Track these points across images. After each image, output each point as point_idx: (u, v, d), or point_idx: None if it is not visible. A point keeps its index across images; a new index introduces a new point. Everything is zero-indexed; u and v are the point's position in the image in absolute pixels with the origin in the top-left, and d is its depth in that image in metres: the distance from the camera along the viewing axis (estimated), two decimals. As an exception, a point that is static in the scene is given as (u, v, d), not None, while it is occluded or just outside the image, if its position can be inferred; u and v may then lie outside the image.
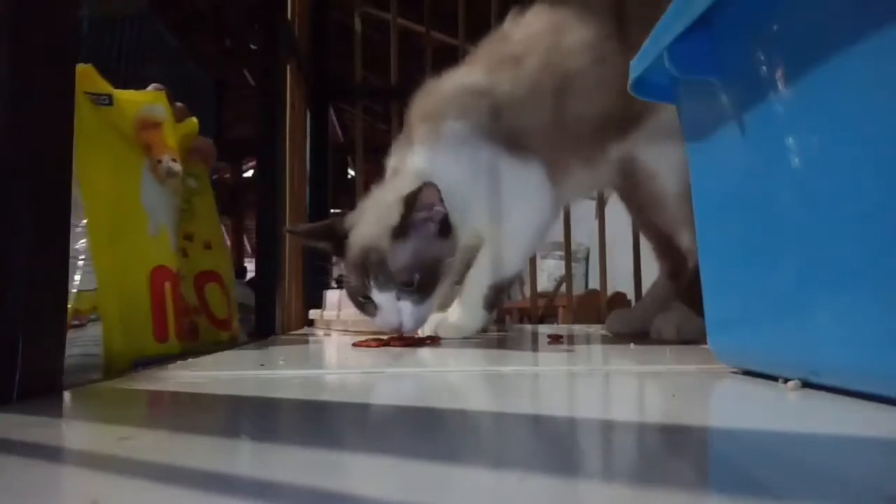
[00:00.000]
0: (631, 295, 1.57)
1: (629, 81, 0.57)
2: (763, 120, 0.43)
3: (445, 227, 0.82)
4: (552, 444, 0.30)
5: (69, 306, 0.66)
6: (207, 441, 0.30)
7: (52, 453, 0.28)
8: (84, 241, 0.68)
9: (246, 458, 0.28)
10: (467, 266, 0.90)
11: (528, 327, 1.41)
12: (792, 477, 0.24)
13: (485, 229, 0.87)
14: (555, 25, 0.87)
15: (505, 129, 0.84)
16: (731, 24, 0.46)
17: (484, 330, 0.93)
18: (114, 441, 0.30)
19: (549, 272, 2.96)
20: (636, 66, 0.55)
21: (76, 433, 0.34)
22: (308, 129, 1.43)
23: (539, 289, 1.73)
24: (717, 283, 0.53)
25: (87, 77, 0.70)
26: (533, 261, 1.59)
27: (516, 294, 3.09)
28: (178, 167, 0.78)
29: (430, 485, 0.23)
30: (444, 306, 1.02)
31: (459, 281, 0.92)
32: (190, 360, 0.64)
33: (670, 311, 0.88)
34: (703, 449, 0.31)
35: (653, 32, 0.51)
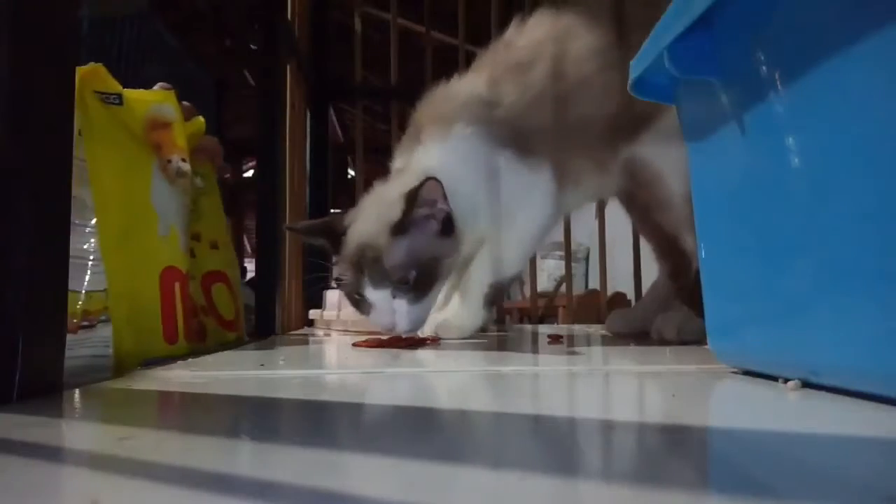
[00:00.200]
0: (631, 295, 1.57)
1: (629, 81, 0.57)
2: (763, 120, 0.43)
3: (448, 226, 0.81)
4: (552, 445, 0.30)
5: (79, 307, 0.66)
6: (207, 441, 0.30)
7: (52, 453, 0.28)
8: (94, 241, 0.68)
9: (246, 458, 0.28)
10: (465, 265, 0.90)
11: (528, 327, 1.41)
12: (792, 477, 0.24)
13: (488, 229, 0.86)
14: (560, 33, 0.87)
15: (515, 134, 0.84)
16: (731, 24, 0.46)
17: (483, 329, 0.93)
18: (114, 441, 0.30)
19: (549, 272, 2.96)
20: (636, 66, 0.55)
21: (76, 433, 0.34)
22: (308, 129, 1.43)
23: (539, 289, 1.73)
24: (717, 284, 0.53)
25: (98, 76, 0.70)
26: (533, 261, 1.59)
27: (516, 294, 3.09)
28: (187, 167, 0.78)
29: (430, 485, 0.23)
30: (440, 306, 1.02)
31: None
32: (190, 360, 0.64)
33: (671, 312, 0.88)
34: (703, 449, 0.31)
35: (653, 32, 0.51)
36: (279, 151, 1.10)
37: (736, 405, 0.43)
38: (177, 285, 0.74)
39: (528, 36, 0.89)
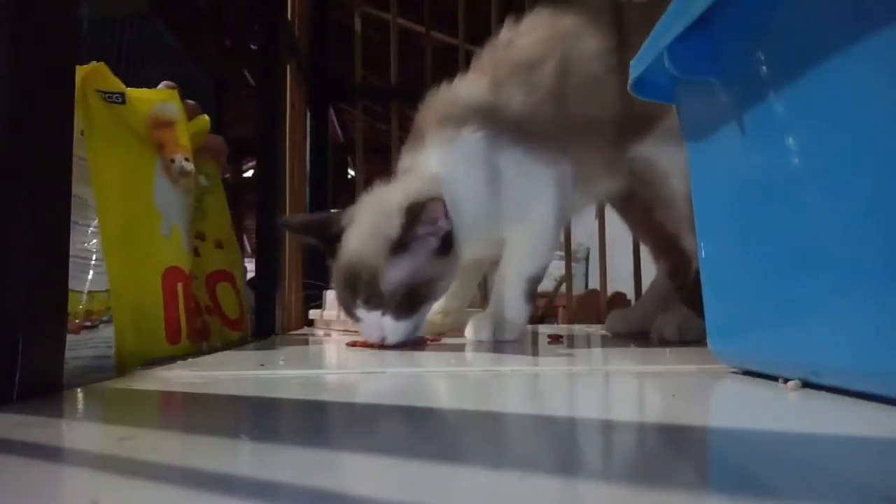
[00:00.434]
0: (631, 295, 1.57)
1: (629, 81, 0.57)
2: (763, 120, 0.43)
3: (446, 244, 0.78)
4: (552, 445, 0.30)
5: (81, 307, 0.66)
6: (207, 441, 0.30)
7: (52, 453, 0.28)
8: (96, 240, 0.68)
9: (246, 458, 0.28)
10: (492, 267, 0.88)
11: (529, 327, 1.40)
12: (792, 477, 0.24)
13: (503, 229, 0.85)
14: (564, 32, 0.87)
15: (524, 134, 0.83)
16: (731, 24, 0.46)
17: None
18: (114, 441, 0.30)
19: (549, 272, 2.95)
20: (636, 66, 0.55)
21: (76, 433, 0.34)
22: (308, 129, 1.43)
23: (539, 289, 1.73)
24: (717, 284, 0.53)
25: (100, 75, 0.70)
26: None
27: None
28: (190, 166, 0.78)
29: (429, 484, 0.23)
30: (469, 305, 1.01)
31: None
32: (190, 359, 0.64)
33: (671, 312, 0.88)
34: (703, 449, 0.31)
35: (653, 32, 0.51)
36: (279, 151, 1.10)
37: (736, 405, 0.43)
38: (179, 285, 0.74)
39: (530, 36, 0.89)
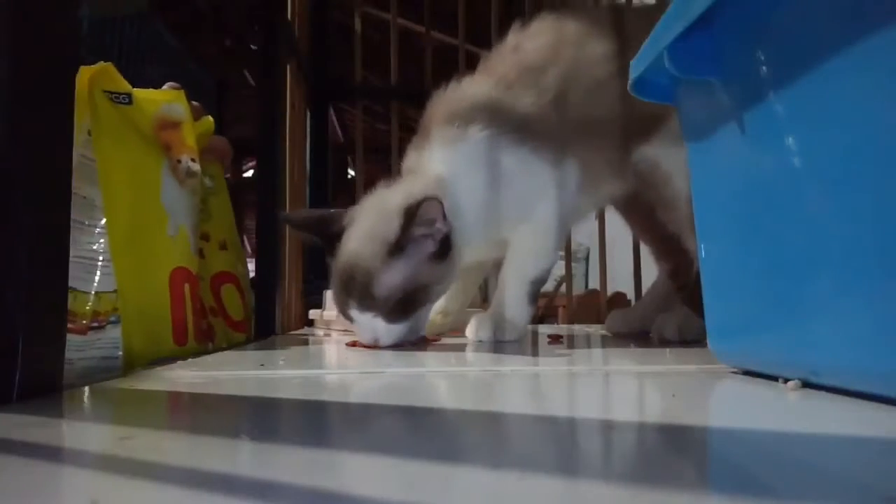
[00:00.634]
0: (631, 295, 1.57)
1: (629, 81, 0.57)
2: (763, 120, 0.43)
3: (444, 248, 0.77)
4: (552, 444, 0.30)
5: (88, 308, 0.66)
6: (208, 441, 0.30)
7: (52, 453, 0.28)
8: (104, 241, 0.68)
9: (246, 458, 0.28)
10: (495, 268, 0.87)
11: (529, 327, 1.40)
12: (792, 477, 0.24)
13: (510, 230, 0.85)
14: (571, 37, 0.87)
15: (531, 135, 0.83)
16: (731, 24, 0.46)
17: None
18: (114, 441, 0.30)
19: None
20: (636, 66, 0.55)
21: (76, 433, 0.34)
22: (308, 129, 1.43)
23: (539, 289, 1.73)
24: (717, 284, 0.53)
25: (107, 75, 0.70)
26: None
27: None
28: (197, 167, 0.78)
29: (429, 484, 0.23)
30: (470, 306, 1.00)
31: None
32: (191, 359, 0.64)
33: (671, 312, 0.88)
34: (703, 449, 0.31)
35: (653, 32, 0.51)
36: (279, 151, 1.10)
37: (736, 405, 0.43)
38: (186, 286, 0.74)
39: (537, 40, 0.89)
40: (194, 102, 0.84)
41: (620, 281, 1.67)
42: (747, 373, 0.50)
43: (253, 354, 0.74)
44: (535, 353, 0.73)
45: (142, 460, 0.26)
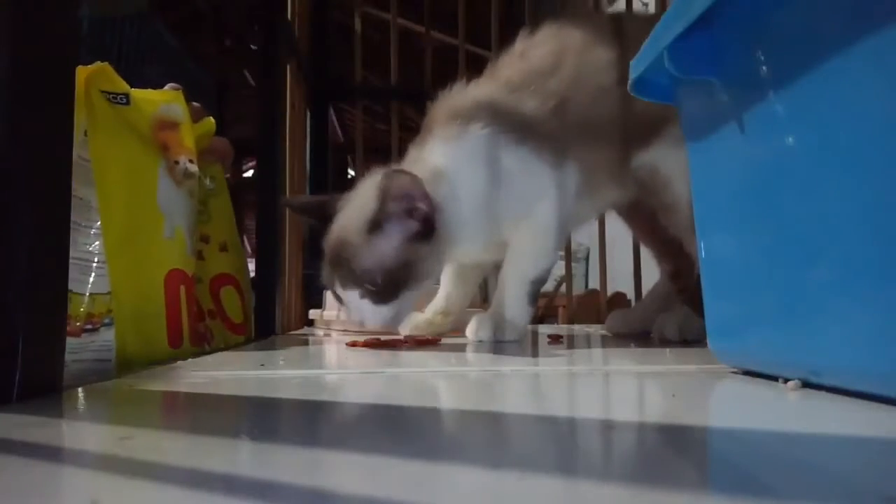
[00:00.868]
0: (631, 295, 1.57)
1: (629, 81, 0.57)
2: (763, 120, 0.43)
3: (427, 228, 0.77)
4: (552, 444, 0.30)
5: (82, 310, 0.66)
6: (208, 441, 0.30)
7: (52, 453, 0.28)
8: (98, 242, 0.67)
9: (246, 458, 0.28)
10: (494, 268, 0.88)
11: (529, 327, 1.40)
12: (792, 477, 0.24)
13: (509, 229, 0.85)
14: (576, 45, 0.88)
15: (533, 136, 0.83)
16: (731, 24, 0.46)
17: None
18: (114, 441, 0.30)
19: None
20: (636, 66, 0.55)
21: (76, 433, 0.34)
22: (308, 129, 1.43)
23: (539, 289, 1.73)
24: (717, 284, 0.53)
25: (104, 75, 0.69)
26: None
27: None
28: (195, 168, 0.78)
29: (429, 484, 0.23)
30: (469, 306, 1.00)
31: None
32: (191, 360, 0.64)
33: (672, 311, 0.88)
34: (703, 449, 0.31)
35: (653, 32, 0.51)
36: (279, 151, 1.10)
37: (736, 405, 0.43)
38: (182, 288, 0.73)
39: (544, 46, 0.90)
40: (195, 103, 0.84)
41: (620, 281, 1.67)
42: (747, 373, 0.50)
43: (253, 354, 0.74)
44: (535, 353, 0.73)
45: (142, 460, 0.26)
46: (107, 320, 0.67)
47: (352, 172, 3.32)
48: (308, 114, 1.43)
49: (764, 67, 0.43)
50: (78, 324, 0.65)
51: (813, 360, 0.41)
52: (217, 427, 0.34)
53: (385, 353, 0.72)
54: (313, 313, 1.22)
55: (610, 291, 1.63)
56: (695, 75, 0.49)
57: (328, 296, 1.18)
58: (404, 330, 0.92)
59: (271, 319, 1.04)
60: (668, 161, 0.84)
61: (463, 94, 0.89)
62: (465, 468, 0.25)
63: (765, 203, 0.45)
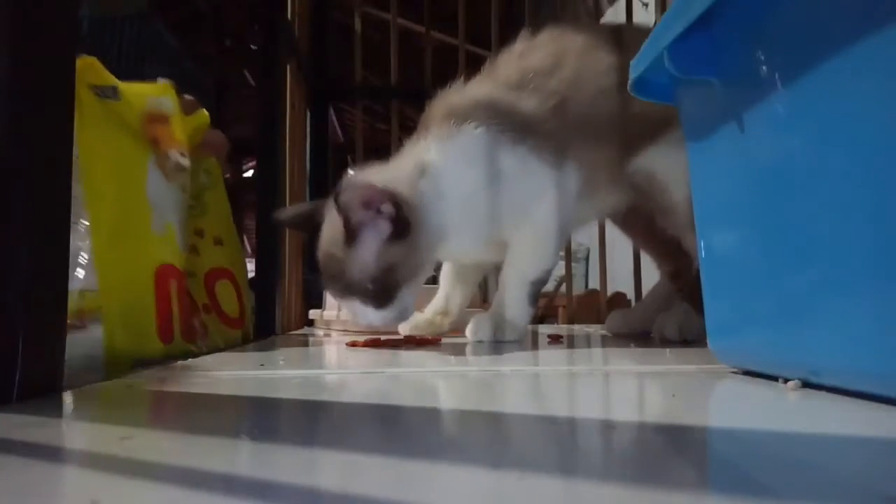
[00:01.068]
0: (631, 295, 1.57)
1: (629, 81, 0.57)
2: (763, 120, 0.43)
3: (402, 228, 0.77)
4: (552, 444, 0.30)
5: (71, 307, 0.66)
6: (207, 441, 0.30)
7: (52, 453, 0.28)
8: (87, 238, 0.67)
9: (246, 458, 0.28)
10: (495, 268, 0.88)
11: (529, 327, 1.40)
12: (792, 477, 0.24)
13: (508, 229, 0.85)
14: (578, 47, 0.88)
15: (532, 135, 0.83)
16: (731, 24, 0.46)
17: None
18: (114, 441, 0.30)
19: (549, 272, 2.95)
20: (636, 66, 0.55)
21: (76, 433, 0.34)
22: (308, 129, 1.43)
23: (539, 289, 1.73)
24: (717, 284, 0.53)
25: (92, 70, 0.69)
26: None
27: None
28: (186, 162, 0.77)
29: (429, 484, 0.23)
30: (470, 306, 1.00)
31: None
32: (190, 360, 0.64)
33: (672, 311, 0.87)
34: (703, 449, 0.31)
35: (653, 32, 0.51)
36: (279, 151, 1.10)
37: (736, 405, 0.43)
38: (173, 283, 0.73)
39: (545, 47, 0.90)
40: (188, 96, 0.84)
41: (620, 281, 1.67)
42: (747, 373, 0.50)
43: (253, 354, 0.74)
44: (535, 353, 0.73)
45: (142, 460, 0.26)
46: (97, 317, 0.67)
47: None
48: (308, 114, 1.43)
49: (764, 67, 0.43)
50: (68, 321, 0.65)
51: (813, 360, 0.41)
52: (217, 427, 0.34)
53: (385, 353, 0.72)
54: (313, 313, 1.22)
55: (610, 291, 1.63)
56: (695, 75, 0.49)
57: (328, 296, 1.18)
58: (404, 330, 0.92)
59: (271, 319, 1.04)
60: (665, 164, 0.84)
61: (460, 93, 0.89)
62: (465, 468, 0.25)
63: (765, 203, 0.45)
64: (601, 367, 0.64)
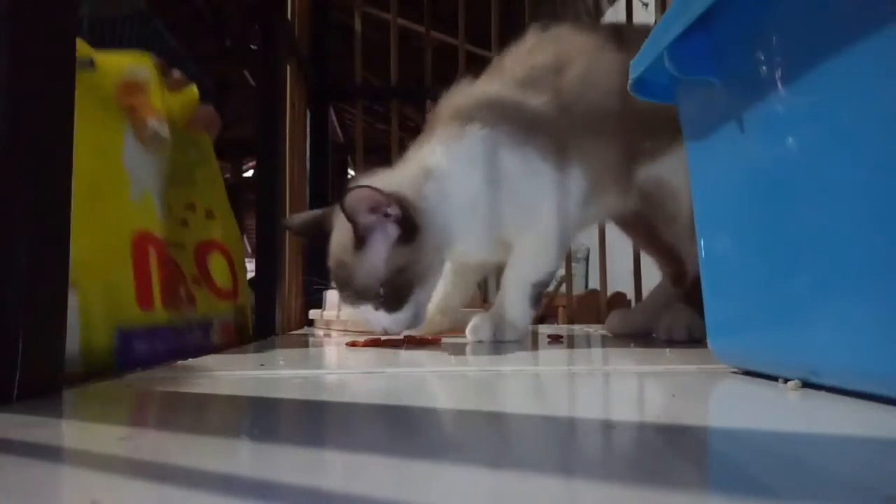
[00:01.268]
0: (631, 295, 1.57)
1: (629, 81, 0.57)
2: (763, 120, 0.43)
3: (408, 230, 0.77)
4: (552, 444, 0.30)
5: None
6: (207, 441, 0.30)
7: (52, 453, 0.28)
8: None
9: (246, 458, 0.28)
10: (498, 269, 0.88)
11: (529, 327, 1.40)
12: (792, 477, 0.24)
13: (512, 230, 0.85)
14: (585, 47, 0.88)
15: (539, 135, 0.82)
16: (731, 24, 0.46)
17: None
18: (114, 441, 0.30)
19: (549, 272, 2.95)
20: (636, 66, 0.55)
21: (76, 433, 0.34)
22: (308, 129, 1.43)
23: (539, 289, 1.73)
24: (717, 284, 0.53)
25: None
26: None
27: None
28: (165, 130, 0.77)
29: (429, 484, 0.23)
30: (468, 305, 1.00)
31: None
32: (190, 360, 0.64)
33: (681, 312, 0.87)
34: (703, 449, 0.31)
35: (653, 32, 0.51)
36: (279, 151, 1.10)
37: (736, 405, 0.43)
38: (151, 249, 0.72)
39: (552, 45, 0.89)
40: (176, 72, 0.83)
41: (620, 281, 1.67)
42: (747, 373, 0.50)
43: (253, 354, 0.74)
44: (535, 353, 0.73)
45: (142, 460, 0.26)
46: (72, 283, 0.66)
47: (352, 172, 3.33)
48: (308, 114, 1.43)
49: (764, 67, 0.43)
50: None
51: (813, 360, 0.41)
52: (217, 427, 0.34)
53: (385, 353, 0.72)
54: (313, 313, 1.22)
55: (610, 291, 1.63)
56: (695, 75, 0.49)
57: (328, 296, 1.18)
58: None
59: (271, 319, 1.04)
60: (677, 171, 0.83)
61: (467, 93, 0.88)
62: (465, 468, 0.25)
63: (765, 203, 0.45)
64: (601, 367, 0.64)
